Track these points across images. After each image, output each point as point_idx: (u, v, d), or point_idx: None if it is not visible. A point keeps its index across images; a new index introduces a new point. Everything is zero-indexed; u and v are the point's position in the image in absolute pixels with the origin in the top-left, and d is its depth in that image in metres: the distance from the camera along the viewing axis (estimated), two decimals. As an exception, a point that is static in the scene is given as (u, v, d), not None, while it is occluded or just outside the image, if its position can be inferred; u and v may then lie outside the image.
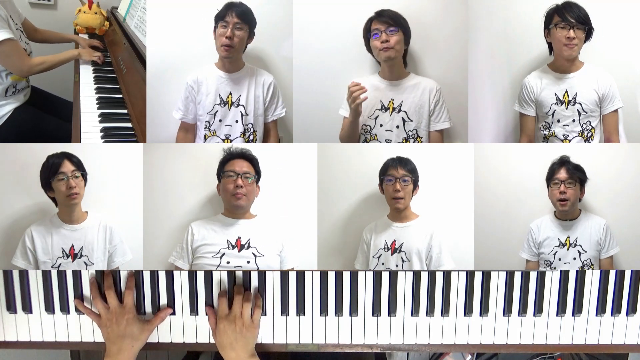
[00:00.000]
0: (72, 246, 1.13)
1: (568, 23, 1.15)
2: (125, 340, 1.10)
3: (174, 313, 1.17)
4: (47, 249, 1.13)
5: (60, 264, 1.13)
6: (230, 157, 1.14)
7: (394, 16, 1.17)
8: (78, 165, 1.12)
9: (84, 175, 1.13)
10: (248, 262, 1.14)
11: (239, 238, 1.14)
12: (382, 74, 1.22)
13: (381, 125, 1.21)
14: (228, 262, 1.13)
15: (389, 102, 1.20)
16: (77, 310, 1.17)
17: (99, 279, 1.16)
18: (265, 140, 1.26)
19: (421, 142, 1.21)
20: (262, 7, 1.21)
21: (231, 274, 1.16)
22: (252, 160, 1.14)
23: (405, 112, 1.20)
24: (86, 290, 1.17)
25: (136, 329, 1.12)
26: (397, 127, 1.20)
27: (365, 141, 1.21)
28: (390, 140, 1.20)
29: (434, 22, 1.21)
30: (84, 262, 1.14)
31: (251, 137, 1.23)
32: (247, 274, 1.16)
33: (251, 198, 1.15)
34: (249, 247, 1.14)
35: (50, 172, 1.11)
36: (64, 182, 1.11)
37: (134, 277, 1.16)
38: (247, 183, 1.13)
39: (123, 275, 1.16)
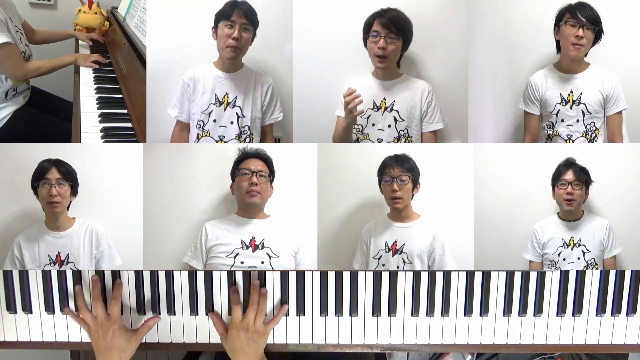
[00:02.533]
0: (59, 253, 1.13)
1: (578, 21, 1.15)
2: (112, 352, 1.09)
3: (174, 313, 1.17)
4: (34, 257, 1.13)
5: (49, 271, 1.14)
6: (245, 156, 1.14)
7: (396, 21, 1.14)
8: (66, 175, 1.11)
9: (73, 186, 1.12)
10: (262, 262, 1.14)
11: (253, 238, 1.14)
12: (374, 73, 1.22)
13: (373, 125, 1.20)
14: (242, 262, 1.13)
15: (381, 101, 1.20)
16: (77, 310, 1.16)
17: (83, 288, 1.16)
18: (261, 143, 1.25)
19: (411, 141, 1.21)
20: (262, 8, 1.20)
21: (231, 274, 1.16)
22: (267, 160, 1.14)
23: (397, 111, 1.20)
24: (89, 289, 1.17)
25: (123, 340, 1.11)
26: (389, 126, 1.20)
27: (357, 140, 1.21)
28: (382, 140, 1.20)
29: (434, 22, 1.21)
30: (71, 269, 1.14)
31: (247, 140, 1.22)
32: (247, 274, 1.16)
33: (265, 197, 1.14)
34: (263, 247, 1.14)
35: (37, 176, 1.11)
36: (47, 189, 1.11)
37: (121, 290, 1.15)
38: (262, 181, 1.13)
39: (123, 274, 1.16)
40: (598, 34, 1.16)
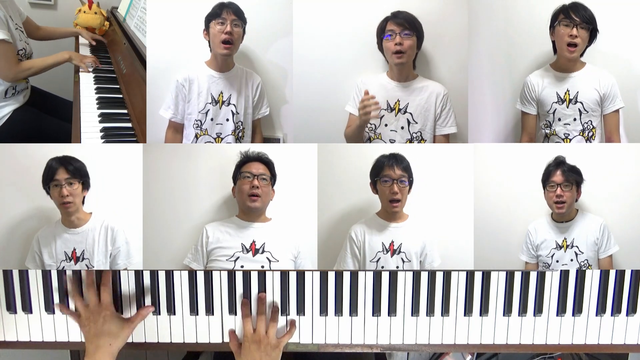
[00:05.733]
0: (74, 249, 1.14)
1: (572, 21, 1.15)
2: (102, 338, 1.08)
3: (174, 313, 1.17)
4: (52, 253, 1.14)
5: (64, 267, 1.14)
6: (246, 159, 1.14)
7: (409, 19, 1.17)
8: (74, 172, 1.11)
9: (85, 182, 1.12)
10: (262, 266, 1.14)
11: (254, 242, 1.14)
12: (390, 74, 1.22)
13: (386, 125, 1.20)
14: (242, 266, 1.14)
15: (395, 102, 1.20)
16: (76, 310, 1.16)
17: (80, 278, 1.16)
18: (252, 137, 1.27)
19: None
20: (262, 6, 1.21)
21: (232, 274, 1.16)
22: (269, 164, 1.14)
23: (410, 113, 1.20)
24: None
25: (114, 326, 1.10)
26: (402, 128, 1.20)
27: (369, 140, 1.21)
28: (395, 141, 1.20)
29: (434, 23, 1.21)
30: (86, 265, 1.14)
31: (240, 135, 1.24)
32: (247, 274, 1.16)
33: (266, 201, 1.15)
34: (263, 251, 1.14)
35: (47, 177, 1.12)
36: (58, 190, 1.11)
37: (111, 276, 1.15)
38: (263, 184, 1.13)
39: (123, 274, 1.16)
40: (593, 33, 1.16)
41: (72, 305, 1.17)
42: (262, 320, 1.14)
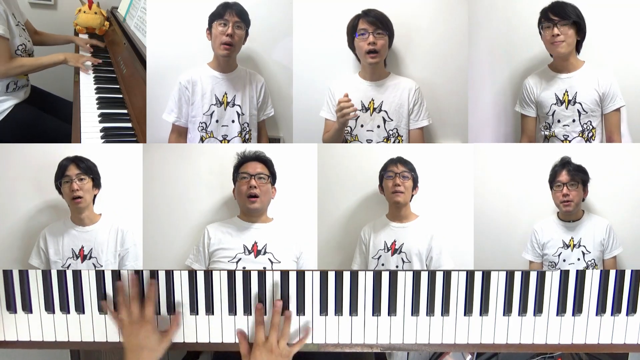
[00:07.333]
0: (82, 247, 1.14)
1: (551, 21, 1.15)
2: (144, 352, 1.10)
3: (174, 313, 1.17)
4: (58, 249, 1.14)
5: (70, 264, 1.14)
6: (244, 160, 1.14)
7: (381, 18, 1.17)
8: (85, 169, 1.13)
9: (95, 179, 1.13)
10: (264, 268, 1.14)
11: (255, 243, 1.14)
12: (362, 74, 1.22)
13: (362, 126, 1.21)
14: (244, 268, 1.14)
15: (370, 102, 1.21)
16: (77, 309, 1.17)
17: (126, 285, 1.16)
18: (258, 138, 1.27)
19: (402, 140, 1.22)
20: (262, 7, 1.21)
21: (232, 274, 1.16)
22: (267, 162, 1.14)
23: (385, 111, 1.20)
24: (89, 289, 1.17)
25: (154, 340, 1.12)
26: (378, 126, 1.20)
27: (346, 142, 1.21)
28: (372, 140, 1.20)
29: (434, 22, 1.21)
30: (93, 264, 1.14)
31: (247, 137, 1.24)
32: (247, 274, 1.16)
33: (266, 200, 1.14)
34: (265, 252, 1.14)
35: (58, 175, 1.13)
36: (68, 185, 1.12)
37: (154, 285, 1.15)
38: (261, 184, 1.13)
39: (123, 274, 1.16)
40: (580, 28, 1.15)
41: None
42: (276, 331, 1.14)
